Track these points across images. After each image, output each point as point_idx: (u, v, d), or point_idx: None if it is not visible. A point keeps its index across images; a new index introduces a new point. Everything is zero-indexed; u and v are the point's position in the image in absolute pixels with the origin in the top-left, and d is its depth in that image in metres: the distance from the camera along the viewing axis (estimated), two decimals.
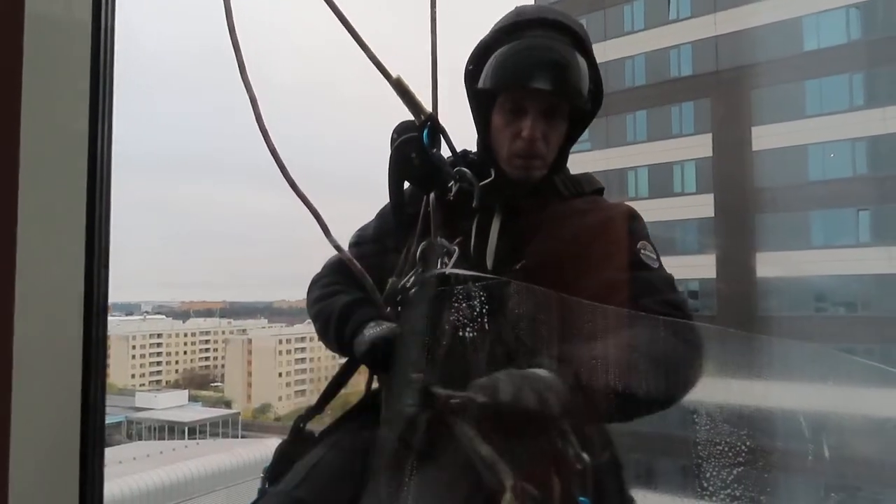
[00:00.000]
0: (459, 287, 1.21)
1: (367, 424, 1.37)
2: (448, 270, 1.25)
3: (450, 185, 1.41)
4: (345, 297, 1.41)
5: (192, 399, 67.74)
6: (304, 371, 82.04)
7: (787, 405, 1.09)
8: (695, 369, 1.20)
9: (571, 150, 1.51)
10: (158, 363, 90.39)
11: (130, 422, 56.61)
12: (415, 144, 1.32)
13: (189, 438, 46.47)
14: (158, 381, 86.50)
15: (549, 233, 1.39)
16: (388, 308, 1.35)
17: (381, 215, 1.56)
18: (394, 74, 1.32)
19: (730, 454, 1.00)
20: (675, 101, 24.93)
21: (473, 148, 1.52)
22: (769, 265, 20.72)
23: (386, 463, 1.24)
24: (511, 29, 1.35)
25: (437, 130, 1.35)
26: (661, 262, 1.40)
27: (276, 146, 1.24)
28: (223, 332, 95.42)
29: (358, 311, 1.36)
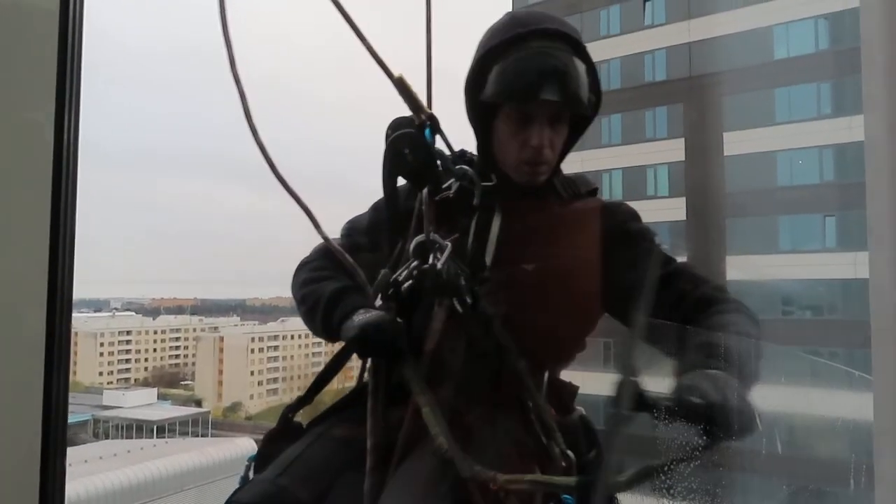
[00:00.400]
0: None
1: (355, 417, 1.38)
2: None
3: (450, 182, 1.44)
4: (335, 284, 1.44)
5: (162, 397, 66.68)
6: (276, 370, 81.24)
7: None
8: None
9: None
10: (127, 361, 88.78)
11: (97, 420, 55.58)
12: (408, 140, 1.34)
13: (158, 437, 45.76)
14: (127, 379, 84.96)
15: (556, 235, 1.43)
16: (379, 299, 1.37)
17: (376, 208, 1.58)
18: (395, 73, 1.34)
19: (687, 450, 1.03)
20: (648, 106, 25.22)
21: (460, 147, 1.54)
22: (738, 268, 21.06)
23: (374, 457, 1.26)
24: (513, 40, 1.36)
25: (436, 130, 1.37)
26: None
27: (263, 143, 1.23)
28: (194, 330, 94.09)
29: (347, 297, 1.39)
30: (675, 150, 24.82)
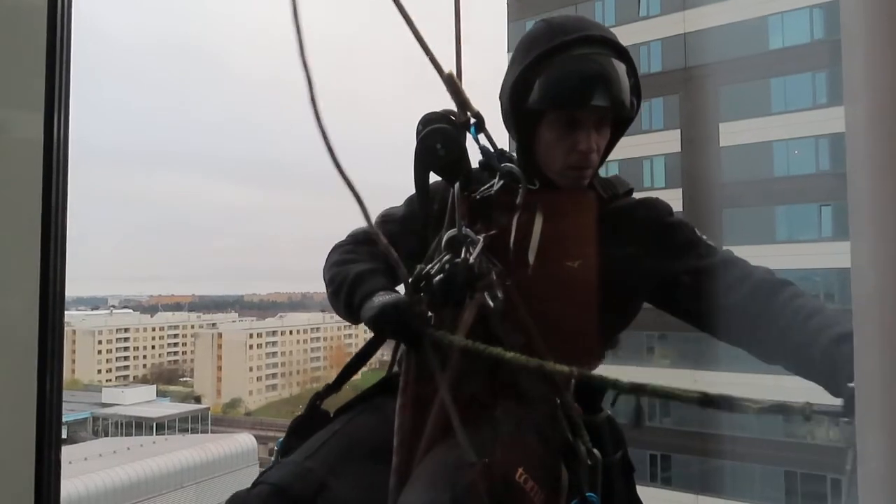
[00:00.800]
0: None
1: (383, 406, 1.40)
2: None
3: (492, 182, 1.47)
4: (361, 266, 1.47)
5: (161, 394, 66.75)
6: (275, 365, 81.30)
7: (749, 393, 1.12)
8: None
9: None
10: (125, 358, 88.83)
11: (96, 418, 55.63)
12: (440, 135, 1.35)
13: (157, 434, 45.84)
14: (125, 377, 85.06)
15: (599, 233, 1.45)
16: (413, 292, 1.38)
17: (410, 201, 1.61)
18: (446, 70, 1.35)
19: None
20: (644, 97, 25.11)
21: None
22: None
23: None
24: (559, 47, 1.39)
25: (481, 128, 1.40)
26: None
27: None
28: (192, 326, 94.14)
29: (371, 279, 1.41)
30: (671, 141, 24.84)
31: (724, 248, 1.46)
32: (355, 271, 1.45)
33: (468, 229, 1.39)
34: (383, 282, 1.40)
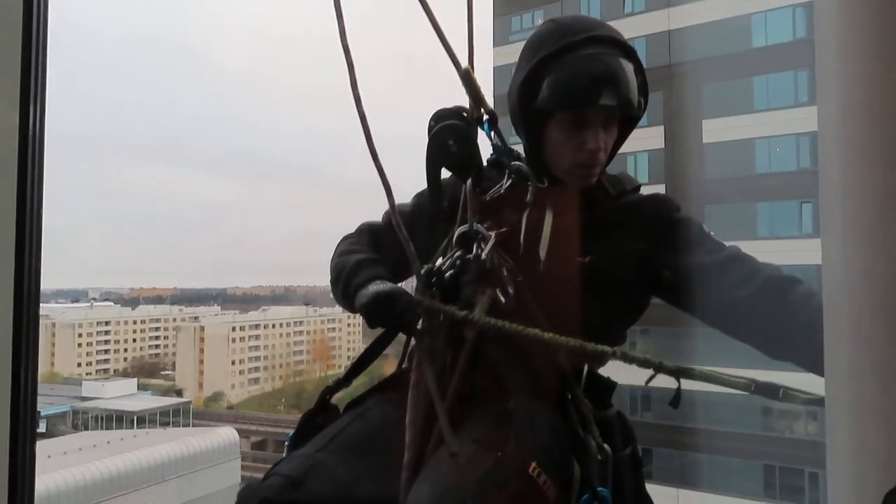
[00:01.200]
0: None
1: (394, 400, 1.40)
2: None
3: (502, 181, 1.47)
4: (360, 255, 1.51)
5: (142, 388, 66.13)
6: (257, 359, 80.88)
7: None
8: None
9: None
10: (106, 351, 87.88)
11: (76, 411, 55.02)
12: (452, 132, 1.35)
13: (138, 428, 45.46)
14: (106, 370, 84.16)
15: (609, 229, 1.47)
16: (424, 288, 1.39)
17: (420, 196, 1.62)
18: (463, 65, 1.35)
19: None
20: None
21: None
22: None
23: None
24: (568, 47, 1.40)
25: (494, 125, 1.41)
26: None
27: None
28: (174, 320, 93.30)
29: (368, 268, 1.44)
30: (654, 137, 24.97)
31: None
32: (355, 259, 1.48)
33: (479, 226, 1.40)
34: (379, 270, 1.43)
